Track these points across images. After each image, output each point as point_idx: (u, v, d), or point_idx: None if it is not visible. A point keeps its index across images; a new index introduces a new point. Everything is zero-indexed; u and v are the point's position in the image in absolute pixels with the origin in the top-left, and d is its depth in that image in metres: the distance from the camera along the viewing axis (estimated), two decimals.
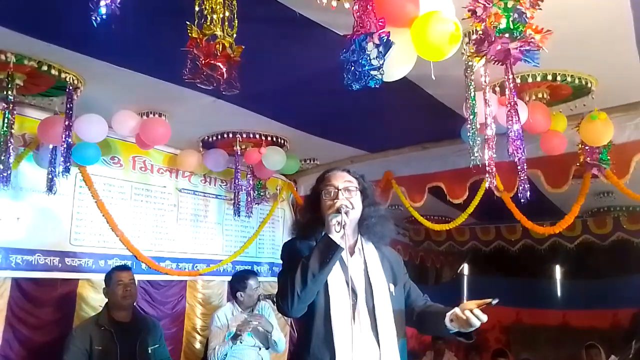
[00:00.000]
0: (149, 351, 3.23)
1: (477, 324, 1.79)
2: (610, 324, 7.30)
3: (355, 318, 1.87)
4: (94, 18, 1.34)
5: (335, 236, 1.81)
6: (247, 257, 4.86)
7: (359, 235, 2.02)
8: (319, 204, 1.98)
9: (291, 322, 3.87)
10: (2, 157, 2.78)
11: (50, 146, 3.14)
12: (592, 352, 5.20)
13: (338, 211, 1.86)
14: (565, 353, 7.11)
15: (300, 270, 1.80)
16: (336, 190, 1.94)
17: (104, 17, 1.35)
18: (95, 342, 3.03)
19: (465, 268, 9.34)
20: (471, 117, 2.50)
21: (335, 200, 1.92)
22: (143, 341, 3.21)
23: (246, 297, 3.68)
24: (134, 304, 3.40)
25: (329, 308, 1.86)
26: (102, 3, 1.31)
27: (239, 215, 4.35)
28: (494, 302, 1.77)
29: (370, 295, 1.92)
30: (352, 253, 1.97)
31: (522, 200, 3.05)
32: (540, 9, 1.70)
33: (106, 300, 3.27)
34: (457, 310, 1.85)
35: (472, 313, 1.79)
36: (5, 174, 2.78)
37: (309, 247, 1.93)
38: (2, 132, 2.77)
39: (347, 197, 1.93)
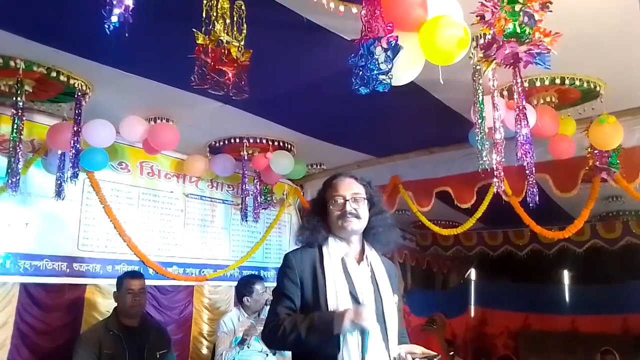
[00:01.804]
0: (157, 356, 3.23)
1: None
2: (620, 329, 7.24)
3: None
4: (106, 26, 1.35)
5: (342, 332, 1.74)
6: (254, 262, 4.85)
7: (364, 242, 2.01)
8: (325, 210, 1.98)
9: None
10: (11, 163, 2.79)
11: (59, 152, 3.16)
12: (608, 359, 5.14)
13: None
14: (575, 359, 7.05)
15: (294, 332, 1.77)
16: (344, 201, 1.94)
17: (116, 25, 1.36)
18: (104, 346, 3.04)
19: (472, 273, 9.28)
20: (479, 121, 2.49)
21: (346, 213, 1.91)
22: (151, 346, 3.22)
23: (252, 301, 3.68)
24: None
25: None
26: (116, 12, 1.31)
27: (246, 221, 4.35)
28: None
29: (380, 302, 1.91)
30: (359, 261, 1.97)
31: (530, 205, 3.03)
32: (551, 11, 1.69)
33: (115, 304, 3.28)
34: (401, 352, 1.86)
35: None
36: (14, 180, 2.79)
37: (310, 258, 1.93)
38: (11, 138, 2.78)
39: (355, 207, 1.94)
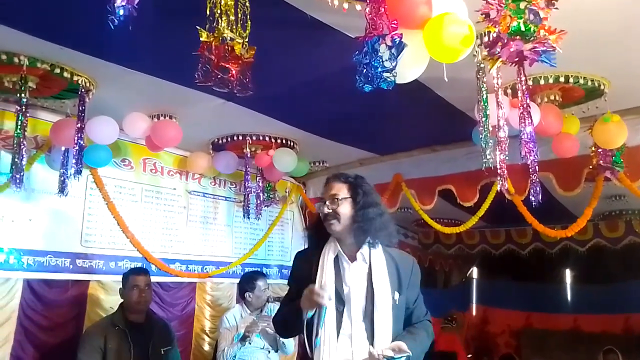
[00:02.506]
0: (162, 352, 3.25)
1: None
2: (622, 329, 7.23)
3: (343, 325, 1.92)
4: (111, 20, 1.35)
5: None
6: (256, 260, 4.86)
7: (368, 240, 2.03)
8: None
9: None
10: (15, 159, 2.80)
11: (62, 148, 3.17)
12: (610, 358, 5.13)
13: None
14: (577, 358, 7.04)
15: (285, 318, 2.12)
16: (323, 204, 2.03)
17: (121, 19, 1.36)
18: (110, 341, 3.06)
19: (474, 271, 9.27)
20: (483, 119, 2.48)
21: (324, 216, 2.02)
22: (156, 342, 3.24)
23: (254, 297, 3.69)
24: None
25: (313, 316, 1.93)
26: (120, 4, 1.32)
27: (248, 218, 4.35)
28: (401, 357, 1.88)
29: (370, 301, 1.94)
30: (352, 259, 2.02)
31: (533, 204, 3.02)
32: (557, 8, 1.69)
33: (121, 300, 3.29)
34: (370, 347, 1.90)
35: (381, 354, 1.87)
36: (17, 176, 2.81)
37: (311, 256, 2.07)
38: (15, 135, 2.79)
39: (333, 208, 2.00)
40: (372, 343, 1.88)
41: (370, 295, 1.94)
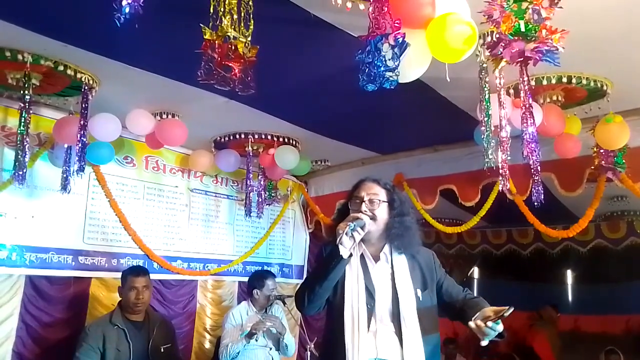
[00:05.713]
0: (161, 350, 3.24)
1: (492, 334, 1.79)
2: (622, 329, 7.22)
3: (372, 322, 1.94)
4: (117, 18, 1.36)
5: (341, 246, 1.87)
6: (258, 258, 4.87)
7: (389, 243, 2.06)
8: (348, 211, 2.06)
9: (301, 322, 3.89)
10: (18, 156, 2.81)
11: (65, 145, 3.18)
12: (612, 358, 5.13)
13: (353, 219, 1.92)
14: (577, 358, 7.03)
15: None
16: (360, 202, 2.02)
17: (127, 17, 1.37)
18: (108, 340, 3.05)
19: (475, 271, 9.26)
20: (485, 119, 2.48)
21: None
22: (155, 340, 3.23)
23: (261, 295, 3.72)
24: None
25: (343, 311, 1.94)
26: (125, 2, 1.32)
27: (250, 216, 4.36)
28: (507, 313, 1.78)
29: (396, 302, 1.96)
30: (376, 259, 2.04)
31: (535, 204, 3.02)
32: (560, 7, 1.69)
33: (120, 298, 3.29)
34: (470, 323, 1.84)
35: (486, 325, 1.79)
36: (20, 173, 2.81)
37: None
38: (18, 132, 2.80)
39: (371, 208, 2.00)
40: (401, 343, 1.91)
41: (394, 297, 1.97)
